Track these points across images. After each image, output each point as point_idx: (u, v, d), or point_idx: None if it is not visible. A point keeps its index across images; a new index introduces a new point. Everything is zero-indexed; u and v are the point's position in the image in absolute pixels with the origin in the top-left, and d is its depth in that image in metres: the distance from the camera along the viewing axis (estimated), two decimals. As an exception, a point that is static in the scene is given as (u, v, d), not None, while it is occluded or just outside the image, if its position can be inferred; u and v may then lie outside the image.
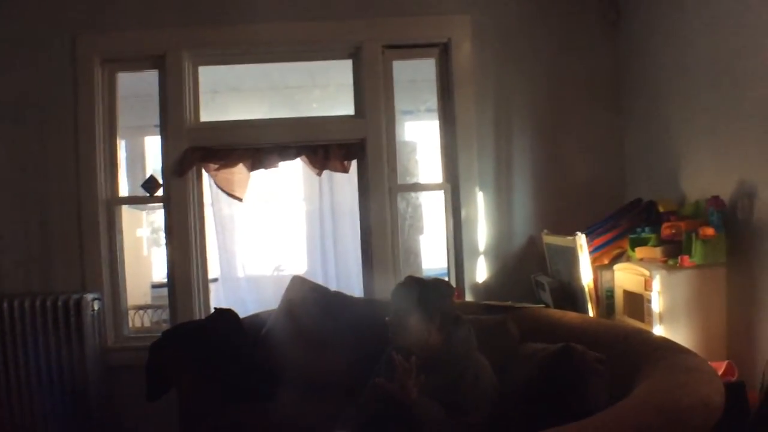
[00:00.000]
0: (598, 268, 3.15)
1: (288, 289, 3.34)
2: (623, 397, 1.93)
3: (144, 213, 5.61)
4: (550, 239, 3.42)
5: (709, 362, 2.16)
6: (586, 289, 3.00)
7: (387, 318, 2.37)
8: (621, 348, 2.27)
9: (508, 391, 2.25)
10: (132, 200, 4.09)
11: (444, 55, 3.77)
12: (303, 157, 3.74)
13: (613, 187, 3.68)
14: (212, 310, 3.57)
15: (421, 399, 2.10)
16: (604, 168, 3.72)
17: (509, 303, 3.04)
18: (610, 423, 1.77)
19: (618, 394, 2.00)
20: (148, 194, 3.82)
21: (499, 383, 2.27)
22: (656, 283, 2.64)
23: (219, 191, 3.82)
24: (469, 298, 3.65)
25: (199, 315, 3.70)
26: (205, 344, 3.01)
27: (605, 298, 3.14)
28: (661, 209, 2.96)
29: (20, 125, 3.66)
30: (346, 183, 4.02)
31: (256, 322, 3.32)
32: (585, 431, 1.75)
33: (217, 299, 4.03)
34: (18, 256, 3.67)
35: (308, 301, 3.24)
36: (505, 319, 2.70)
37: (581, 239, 2.98)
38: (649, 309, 2.67)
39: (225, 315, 3.23)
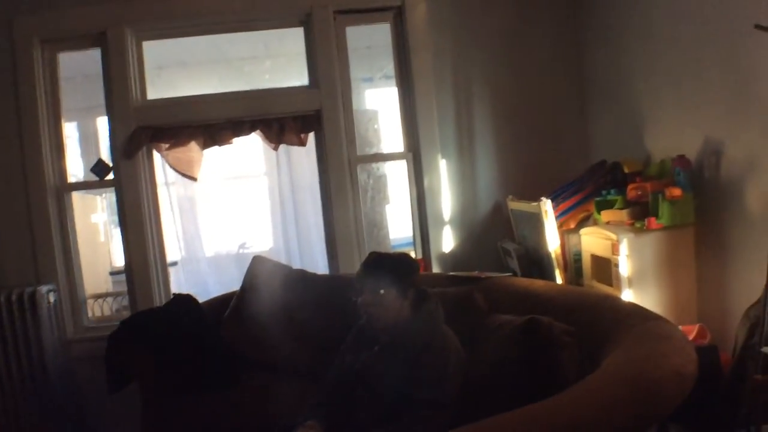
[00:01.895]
0: (564, 232, 3.10)
1: (249, 270, 3.26)
2: (593, 368, 1.88)
3: (99, 197, 5.41)
4: (515, 205, 3.35)
5: (680, 326, 2.13)
6: (553, 255, 2.94)
7: (358, 299, 2.26)
8: (590, 316, 2.22)
9: (475, 365, 2.18)
10: (82, 186, 3.92)
11: (398, 18, 3.64)
12: (258, 131, 3.60)
13: (577, 149, 3.63)
14: (172, 295, 3.49)
15: None
16: (568, 130, 3.67)
17: (475, 273, 2.97)
18: (579, 398, 1.72)
19: (588, 365, 1.96)
20: (98, 178, 3.65)
21: (467, 357, 2.20)
22: (623, 247, 2.59)
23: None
24: (435, 268, 3.59)
25: (159, 300, 3.60)
26: (164, 332, 2.94)
27: (573, 262, 3.10)
28: (626, 170, 2.91)
29: (-41, 112, 3.46)
30: (304, 157, 3.90)
31: (217, 305, 3.24)
32: (554, 409, 1.69)
33: (178, 283, 3.92)
34: (-35, 250, 3.50)
35: (270, 281, 3.15)
36: (472, 291, 2.62)
37: (546, 204, 2.91)
38: (617, 273, 2.63)
39: (184, 301, 3.15)
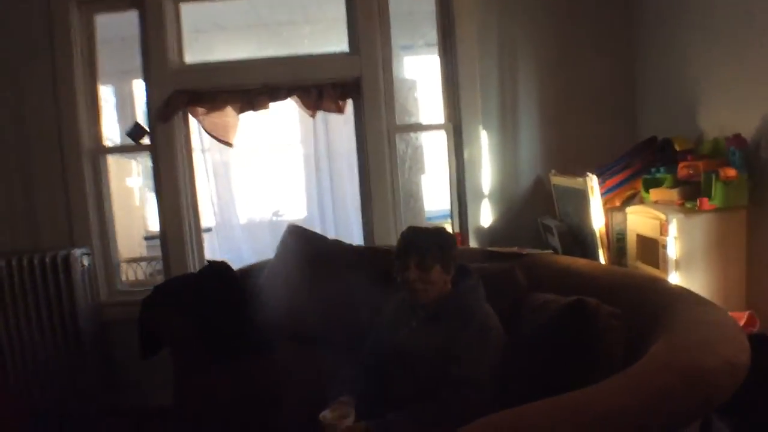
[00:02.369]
0: (609, 210, 2.99)
1: (284, 239, 3.23)
2: (639, 354, 1.80)
3: (134, 161, 5.40)
4: (558, 180, 3.25)
5: (729, 313, 2.03)
6: (597, 234, 2.84)
7: (402, 274, 2.18)
8: (636, 299, 2.12)
9: (515, 345, 2.11)
10: (117, 149, 3.91)
11: (444, -16, 3.52)
12: (295, 97, 3.54)
13: (624, 124, 3.48)
14: (206, 262, 3.48)
15: (372, 427, 1.97)
16: (616, 104, 3.52)
17: (515, 249, 2.88)
18: (626, 386, 1.64)
19: (633, 350, 1.87)
20: (133, 142, 3.63)
21: (506, 336, 2.13)
22: (673, 228, 2.48)
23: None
24: (473, 243, 3.52)
25: (192, 266, 3.60)
26: (198, 299, 2.94)
27: (615, 242, 2.99)
28: (677, 148, 2.78)
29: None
30: (342, 125, 3.82)
31: (251, 273, 3.22)
32: (599, 396, 1.62)
33: (212, 249, 3.91)
34: (1, 213, 3.53)
35: (305, 250, 3.11)
36: (512, 267, 2.55)
37: (592, 181, 2.80)
38: (665, 255, 2.52)
39: (218, 268, 3.14)
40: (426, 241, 2.19)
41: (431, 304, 2.18)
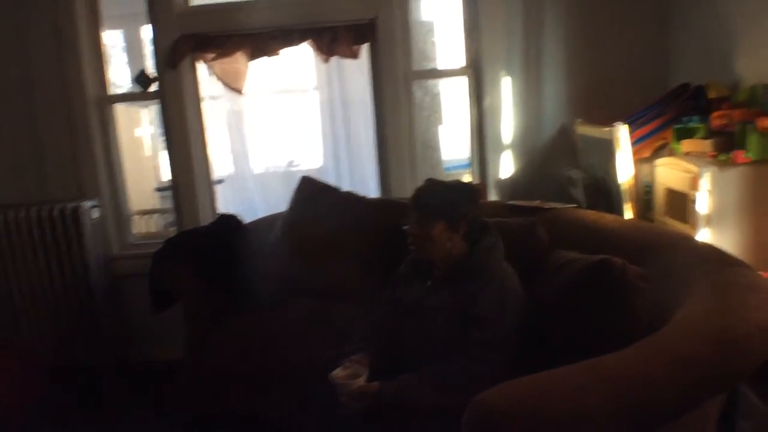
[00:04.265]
0: (637, 161, 2.85)
1: (297, 191, 3.18)
2: (667, 318, 1.72)
3: (144, 110, 5.29)
4: (584, 130, 3.11)
5: (762, 274, 1.92)
6: (624, 187, 2.71)
7: (405, 227, 2.13)
8: (666, 259, 2.03)
9: (535, 306, 2.03)
10: (125, 97, 3.80)
11: None
12: (308, 41, 3.39)
13: (656, 70, 3.29)
14: (218, 214, 3.43)
15: (385, 388, 1.92)
16: (647, 48, 3.31)
17: (537, 203, 2.77)
18: (653, 352, 1.57)
19: (660, 313, 1.77)
20: (141, 89, 3.52)
21: (526, 295, 2.04)
22: (705, 182, 2.35)
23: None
24: (492, 196, 3.39)
25: (204, 218, 3.53)
26: (209, 253, 2.89)
27: (643, 194, 2.86)
28: (711, 95, 2.63)
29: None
30: (356, 70, 3.67)
31: (263, 226, 3.16)
32: (625, 361, 1.54)
33: (225, 201, 3.83)
34: (8, 164, 3.48)
35: (318, 203, 3.05)
36: (534, 223, 2.44)
37: (621, 130, 2.65)
38: (694, 210, 2.39)
39: (229, 221, 3.10)
40: (433, 196, 2.11)
41: (444, 263, 2.10)
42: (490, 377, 1.67)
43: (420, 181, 2.25)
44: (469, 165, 3.68)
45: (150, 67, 3.55)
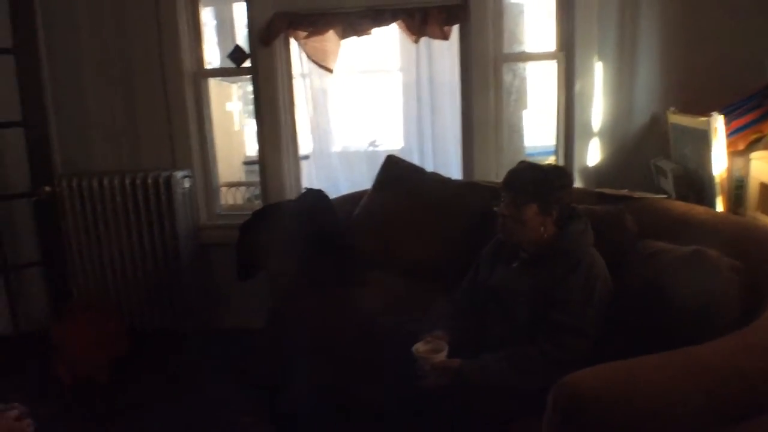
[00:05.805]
0: (730, 154, 2.73)
1: (382, 169, 3.21)
2: (758, 312, 1.69)
3: (234, 86, 5.43)
4: (677, 119, 2.99)
5: None
6: (717, 180, 2.61)
7: (495, 208, 2.12)
8: (759, 254, 1.94)
9: (623, 295, 2.00)
10: (219, 72, 3.91)
11: None
12: (399, 22, 3.39)
13: (755, 59, 3.09)
14: (303, 189, 3.49)
15: (465, 365, 1.94)
16: (747, 37, 3.12)
17: (626, 191, 2.71)
18: (747, 345, 1.54)
19: (752, 308, 1.73)
20: (235, 65, 3.63)
21: (612, 285, 2.01)
22: (804, 177, 2.24)
23: (311, 62, 3.55)
24: (578, 183, 3.32)
25: (290, 193, 3.60)
26: (295, 226, 2.93)
27: (734, 188, 2.75)
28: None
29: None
30: (445, 51, 3.64)
31: (347, 203, 3.21)
32: (718, 353, 1.52)
33: (309, 177, 3.89)
34: (105, 133, 3.63)
35: (403, 182, 3.06)
36: (622, 211, 2.39)
37: (717, 121, 2.56)
38: (791, 207, 2.29)
39: (315, 195, 3.14)
40: (527, 177, 2.08)
41: (532, 246, 2.09)
42: (570, 362, 1.67)
43: (505, 166, 2.23)
44: (552, 152, 3.61)
45: (243, 44, 3.63)
